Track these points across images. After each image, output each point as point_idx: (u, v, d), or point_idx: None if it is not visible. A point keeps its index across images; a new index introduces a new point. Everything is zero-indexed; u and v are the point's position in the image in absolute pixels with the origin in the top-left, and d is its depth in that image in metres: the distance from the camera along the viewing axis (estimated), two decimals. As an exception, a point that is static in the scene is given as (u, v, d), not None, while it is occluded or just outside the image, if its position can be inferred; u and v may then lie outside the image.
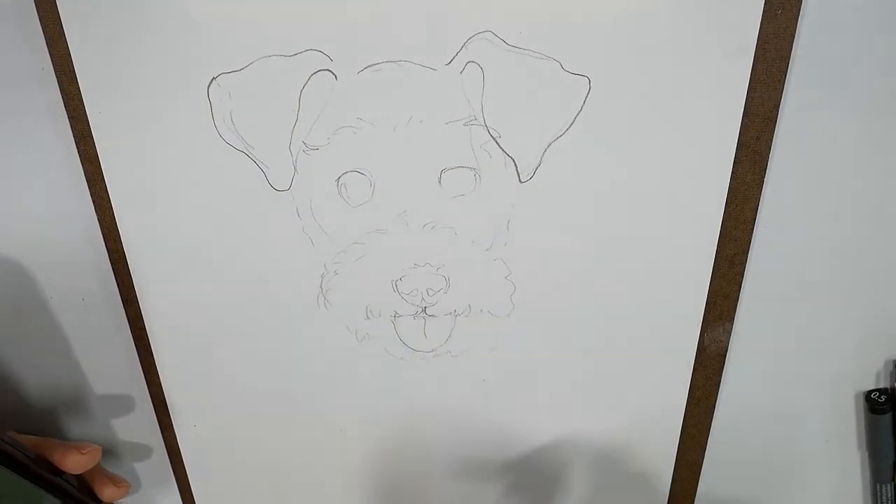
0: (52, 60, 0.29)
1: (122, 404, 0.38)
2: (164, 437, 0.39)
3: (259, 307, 0.35)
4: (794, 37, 0.29)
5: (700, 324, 0.36)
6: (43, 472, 0.31)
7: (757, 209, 0.33)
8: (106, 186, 0.32)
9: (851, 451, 0.41)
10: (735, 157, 0.31)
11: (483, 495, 0.42)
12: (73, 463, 0.32)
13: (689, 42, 0.29)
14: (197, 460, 0.40)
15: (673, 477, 0.41)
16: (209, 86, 0.29)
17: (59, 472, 0.32)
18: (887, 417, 0.38)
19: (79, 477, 0.34)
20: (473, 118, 0.30)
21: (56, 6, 0.28)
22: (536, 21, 0.28)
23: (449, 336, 0.36)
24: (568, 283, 0.34)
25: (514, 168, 0.31)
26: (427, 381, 0.37)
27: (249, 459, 0.40)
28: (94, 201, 0.32)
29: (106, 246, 0.33)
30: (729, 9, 0.28)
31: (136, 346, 0.36)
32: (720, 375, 0.38)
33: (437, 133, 0.30)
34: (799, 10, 0.28)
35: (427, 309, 0.35)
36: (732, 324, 0.36)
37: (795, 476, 0.42)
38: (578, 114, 0.30)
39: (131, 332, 0.36)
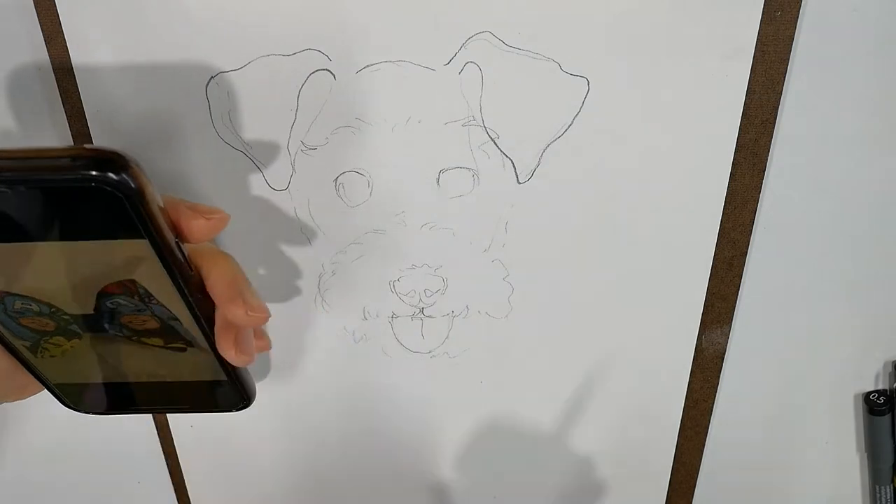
0: (49, 58, 0.29)
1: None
2: (160, 438, 0.39)
3: (256, 307, 0.35)
4: (793, 39, 0.29)
5: (698, 326, 0.36)
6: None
7: (756, 211, 0.33)
8: (103, 185, 0.32)
9: (850, 452, 0.41)
10: (734, 159, 0.31)
11: (480, 496, 0.42)
12: (198, 231, 0.25)
13: (688, 44, 0.29)
14: (193, 461, 0.40)
15: (670, 479, 0.41)
16: (207, 84, 0.29)
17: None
18: (886, 419, 0.38)
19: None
20: (472, 119, 0.30)
21: (55, 4, 0.28)
22: (535, 22, 0.28)
23: (446, 337, 0.36)
24: (566, 284, 0.34)
25: (513, 169, 0.31)
26: (424, 383, 0.37)
27: (246, 460, 0.40)
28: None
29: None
30: (728, 11, 0.28)
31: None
32: (718, 378, 0.37)
33: (435, 133, 0.30)
34: (798, 12, 0.28)
35: (424, 310, 0.35)
36: (730, 326, 0.36)
37: (794, 478, 0.42)
38: (577, 115, 0.30)
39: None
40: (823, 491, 0.42)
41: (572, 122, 0.30)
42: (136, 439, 0.39)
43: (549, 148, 0.31)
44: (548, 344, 0.36)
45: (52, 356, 0.28)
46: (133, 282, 0.24)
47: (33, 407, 0.38)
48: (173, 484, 0.41)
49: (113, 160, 0.20)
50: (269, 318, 0.27)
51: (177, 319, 0.26)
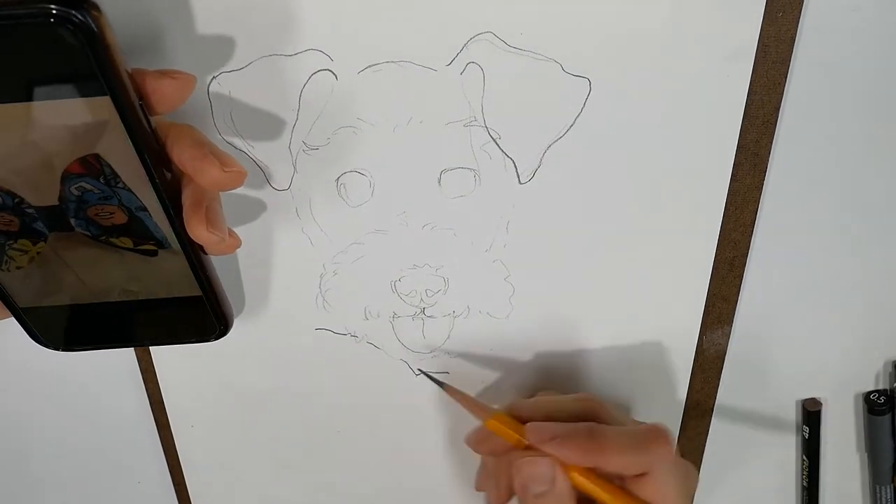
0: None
1: (119, 403, 0.38)
2: (160, 437, 0.39)
3: (257, 307, 0.35)
4: (794, 40, 0.29)
5: (699, 327, 0.36)
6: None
7: (756, 212, 0.33)
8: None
9: (851, 452, 0.41)
10: (735, 160, 0.31)
11: (480, 497, 0.42)
12: (165, 91, 0.24)
13: (690, 45, 0.29)
14: (194, 461, 0.40)
15: (671, 479, 0.41)
16: (209, 84, 0.29)
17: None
18: (886, 419, 0.38)
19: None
20: (473, 119, 0.30)
21: None
22: (537, 22, 0.28)
23: (447, 337, 0.36)
24: (567, 285, 0.34)
25: (514, 169, 0.31)
26: (425, 383, 0.37)
27: (246, 460, 0.40)
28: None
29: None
30: (729, 12, 0.28)
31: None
32: (719, 379, 0.38)
33: (437, 134, 0.30)
34: (800, 13, 0.28)
35: (426, 310, 0.35)
36: (731, 327, 0.36)
37: (794, 478, 0.42)
38: (579, 115, 0.30)
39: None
40: (824, 490, 0.42)
41: (574, 122, 0.30)
42: (136, 438, 0.39)
43: (550, 148, 0.31)
44: (549, 344, 0.36)
45: (18, 267, 0.26)
46: (97, 158, 0.23)
47: (33, 407, 0.38)
48: (174, 484, 0.41)
49: None
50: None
51: (145, 210, 0.25)
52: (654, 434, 0.28)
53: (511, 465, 0.29)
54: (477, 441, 0.32)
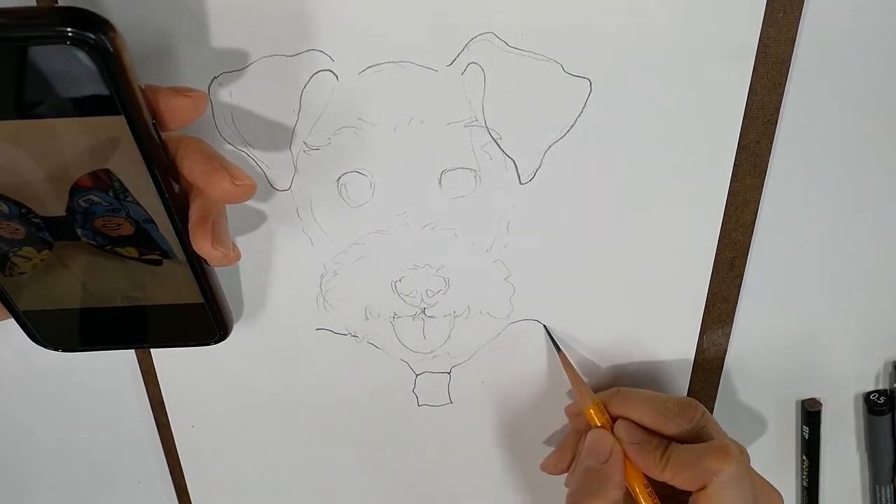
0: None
1: (120, 403, 0.38)
2: (161, 437, 0.39)
3: (257, 307, 0.35)
4: (794, 40, 0.29)
5: (699, 327, 0.36)
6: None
7: (757, 212, 0.33)
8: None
9: (851, 452, 0.41)
10: (735, 161, 0.31)
11: (482, 497, 0.42)
12: (179, 110, 0.24)
13: (691, 45, 0.29)
14: (194, 461, 0.40)
15: (671, 479, 0.41)
16: (210, 85, 0.29)
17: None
18: (886, 419, 0.38)
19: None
20: (474, 119, 0.30)
21: (57, 3, 0.27)
22: (538, 23, 0.28)
23: (448, 337, 0.36)
24: (567, 285, 0.34)
25: (515, 170, 0.31)
26: (425, 384, 0.37)
27: (247, 460, 0.40)
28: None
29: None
30: (730, 12, 0.28)
31: (134, 345, 0.36)
32: (719, 378, 0.38)
33: (438, 134, 0.30)
34: (800, 13, 0.28)
35: (426, 310, 0.35)
36: (731, 327, 0.36)
37: (794, 478, 0.42)
38: (579, 116, 0.30)
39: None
40: (824, 490, 0.42)
41: (574, 122, 0.30)
42: (137, 438, 0.39)
43: (551, 149, 0.31)
44: (549, 344, 0.36)
45: (21, 273, 0.26)
46: (108, 172, 0.23)
47: (33, 407, 0.38)
48: (175, 485, 0.41)
49: (90, 18, 0.20)
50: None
51: (152, 222, 0.25)
52: (714, 452, 0.30)
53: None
54: (573, 414, 0.36)
